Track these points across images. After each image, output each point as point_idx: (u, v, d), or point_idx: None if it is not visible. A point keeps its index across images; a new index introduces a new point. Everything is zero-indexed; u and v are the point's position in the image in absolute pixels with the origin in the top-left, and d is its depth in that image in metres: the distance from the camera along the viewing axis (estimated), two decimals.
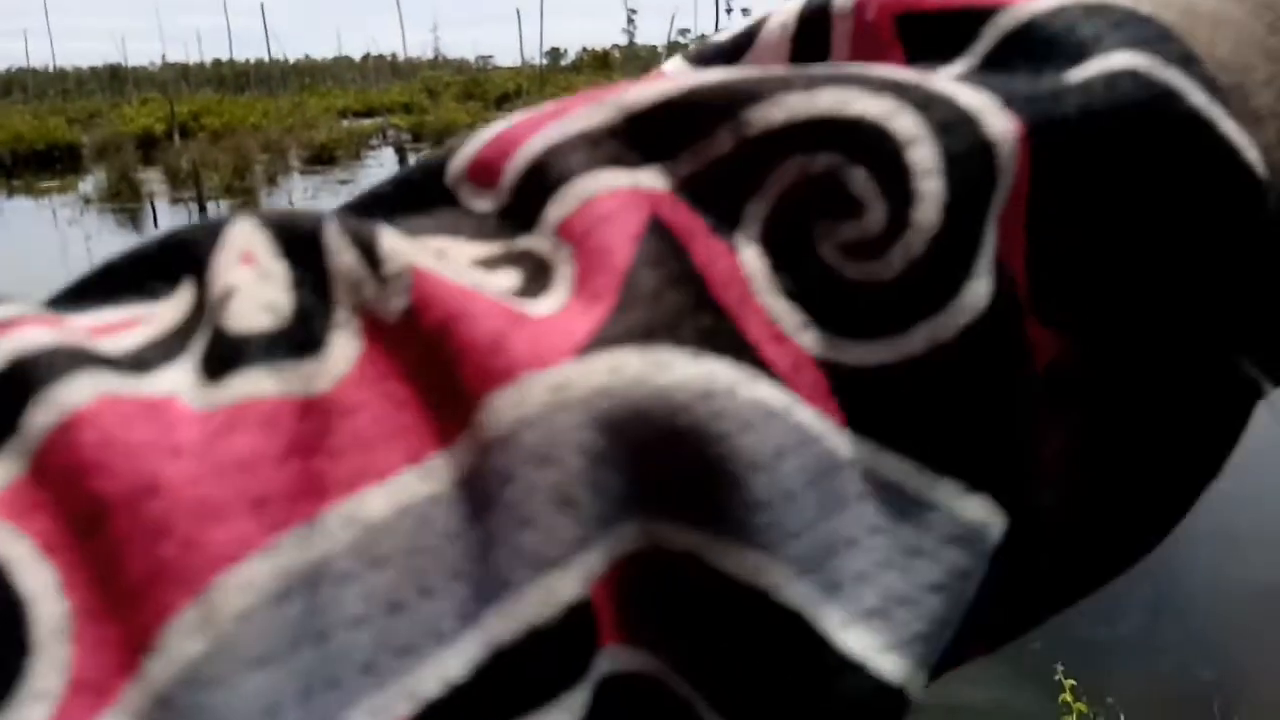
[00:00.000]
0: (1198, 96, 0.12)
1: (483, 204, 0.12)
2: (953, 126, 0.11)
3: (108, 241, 12.10)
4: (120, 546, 0.08)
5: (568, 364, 0.10)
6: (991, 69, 0.12)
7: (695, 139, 0.11)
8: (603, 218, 0.11)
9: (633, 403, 0.10)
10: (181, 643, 0.08)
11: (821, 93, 0.11)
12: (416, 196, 0.12)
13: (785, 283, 0.11)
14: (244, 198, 14.76)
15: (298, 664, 0.09)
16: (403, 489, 0.09)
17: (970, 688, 2.72)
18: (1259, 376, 0.13)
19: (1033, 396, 0.12)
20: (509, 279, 0.11)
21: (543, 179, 0.11)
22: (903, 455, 0.11)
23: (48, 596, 0.08)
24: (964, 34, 0.12)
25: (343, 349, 0.10)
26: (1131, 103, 0.11)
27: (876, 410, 0.11)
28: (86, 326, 0.10)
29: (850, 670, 0.10)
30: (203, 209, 12.60)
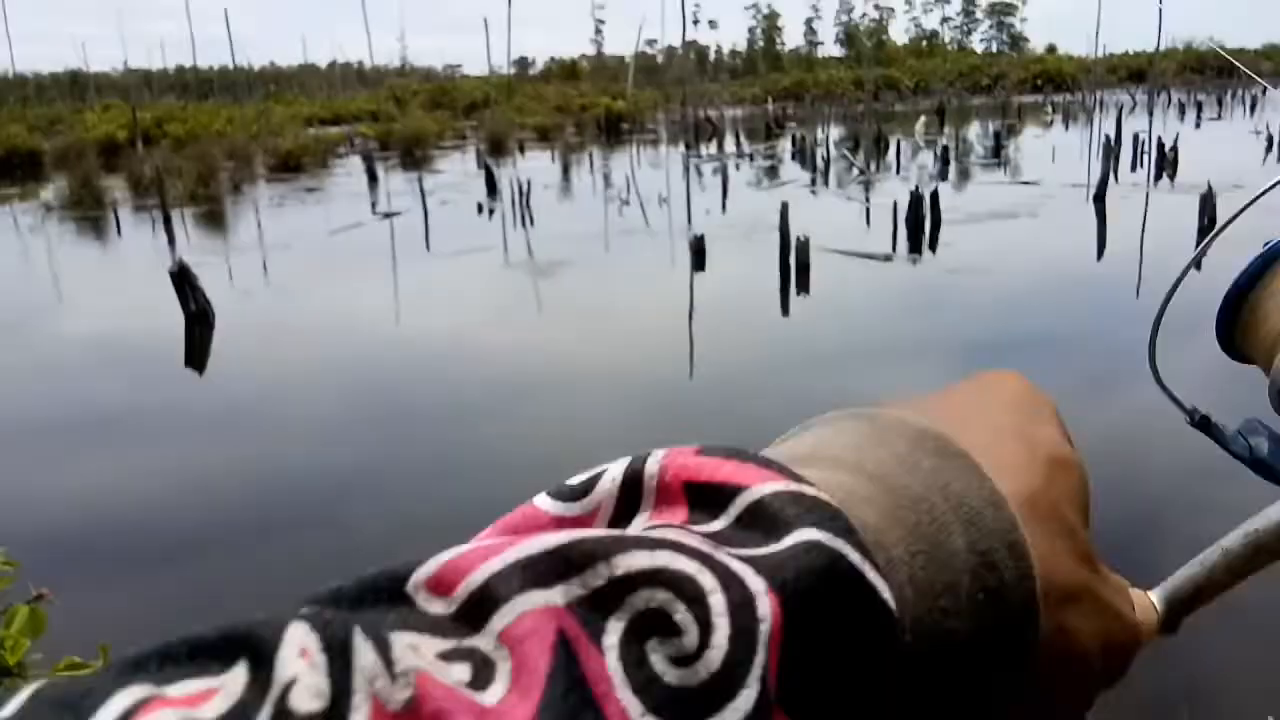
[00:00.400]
0: (854, 556, 0.19)
1: (437, 607, 0.17)
2: (731, 583, 0.18)
3: (70, 249, 11.95)
4: None
5: None
6: (740, 527, 0.20)
7: (583, 571, 0.18)
8: (530, 630, 0.16)
9: None
10: None
11: (659, 553, 0.18)
12: (377, 597, 0.17)
13: (633, 680, 0.17)
14: (209, 205, 14.59)
15: None
16: None
17: None
18: None
19: None
20: (463, 670, 0.16)
21: (488, 596, 0.17)
22: None
23: None
24: (723, 500, 0.20)
25: None
26: (819, 565, 0.19)
27: None
28: (187, 697, 0.15)
29: None
30: (166, 217, 12.42)
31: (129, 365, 6.72)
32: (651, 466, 0.21)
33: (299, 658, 0.15)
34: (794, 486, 0.20)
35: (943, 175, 15.19)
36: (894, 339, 6.70)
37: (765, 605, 0.18)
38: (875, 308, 7.71)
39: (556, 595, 0.17)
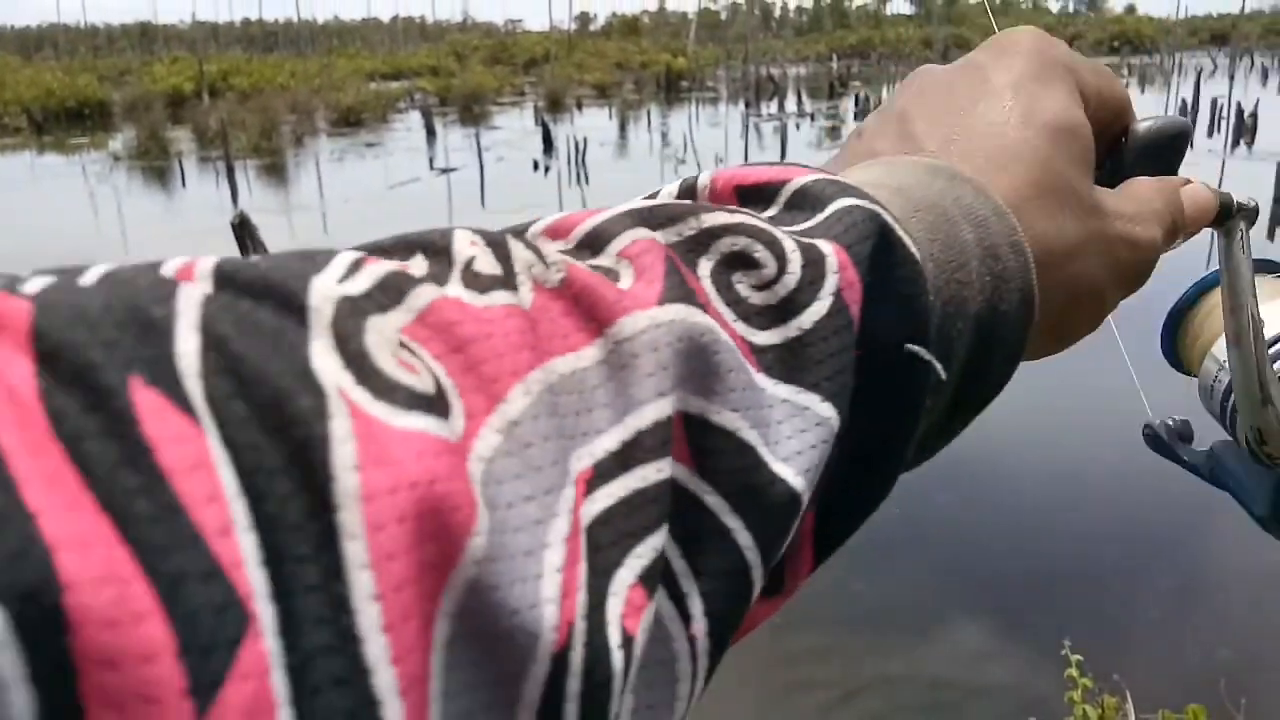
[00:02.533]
0: (885, 214, 0.23)
1: (555, 247, 0.21)
2: (806, 247, 0.22)
3: (137, 199, 12.20)
4: (480, 358, 0.17)
5: (654, 309, 0.19)
6: (788, 209, 0.24)
7: (676, 222, 0.21)
8: (644, 249, 0.20)
9: (681, 328, 0.19)
10: (518, 399, 0.17)
11: (737, 215, 0.22)
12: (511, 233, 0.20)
13: (724, 297, 0.21)
14: (271, 158, 14.78)
15: (551, 421, 0.17)
16: (570, 361, 0.18)
17: (982, 663, 2.72)
18: (930, 357, 0.23)
19: (852, 355, 0.22)
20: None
21: (601, 233, 0.21)
22: (790, 383, 0.21)
23: (445, 379, 0.16)
24: (770, 194, 0.24)
25: (526, 291, 0.18)
26: (860, 218, 0.23)
27: (774, 362, 0.21)
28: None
29: (779, 480, 0.20)
30: (230, 169, 12.63)
31: None
32: (704, 179, 0.24)
33: (470, 245, 0.19)
34: (831, 176, 0.24)
35: None
36: None
37: (828, 247, 0.22)
38: None
39: (660, 236, 0.21)
